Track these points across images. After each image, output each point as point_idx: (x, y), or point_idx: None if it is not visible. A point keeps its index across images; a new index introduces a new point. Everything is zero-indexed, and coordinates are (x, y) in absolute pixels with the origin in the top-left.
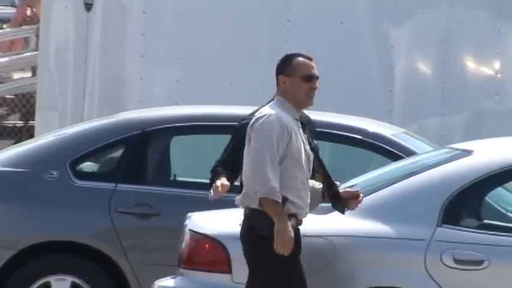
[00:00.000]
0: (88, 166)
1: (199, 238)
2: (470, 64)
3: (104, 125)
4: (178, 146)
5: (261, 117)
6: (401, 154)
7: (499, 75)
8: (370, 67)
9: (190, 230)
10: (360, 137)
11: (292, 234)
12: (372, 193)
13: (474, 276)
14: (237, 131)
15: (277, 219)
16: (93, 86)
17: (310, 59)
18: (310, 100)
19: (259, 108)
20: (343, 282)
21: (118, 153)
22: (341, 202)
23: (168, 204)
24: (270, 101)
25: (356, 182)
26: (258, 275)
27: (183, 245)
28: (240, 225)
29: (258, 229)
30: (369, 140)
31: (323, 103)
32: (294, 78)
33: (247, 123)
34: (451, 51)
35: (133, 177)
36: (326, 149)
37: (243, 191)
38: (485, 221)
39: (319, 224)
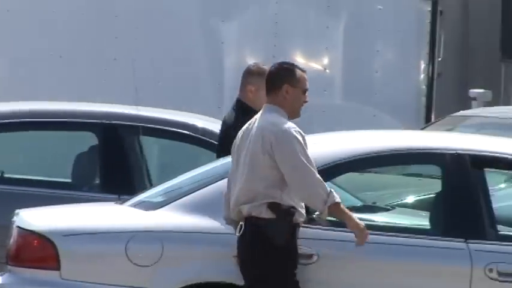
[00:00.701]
0: None
1: (27, 235)
2: (300, 59)
3: None
4: (3, 142)
5: (281, 130)
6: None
7: (327, 71)
8: (200, 62)
9: (17, 226)
10: (188, 132)
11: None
12: (200, 189)
13: (304, 270)
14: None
15: (349, 218)
16: None
17: (305, 72)
18: (300, 112)
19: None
20: (171, 276)
21: None
22: None
23: None
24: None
25: (185, 178)
26: (265, 283)
27: (11, 241)
28: (238, 236)
29: (271, 238)
30: (197, 135)
31: (151, 98)
32: (297, 89)
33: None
34: (281, 46)
35: None
36: (155, 144)
37: (248, 201)
38: (314, 216)
39: (147, 219)
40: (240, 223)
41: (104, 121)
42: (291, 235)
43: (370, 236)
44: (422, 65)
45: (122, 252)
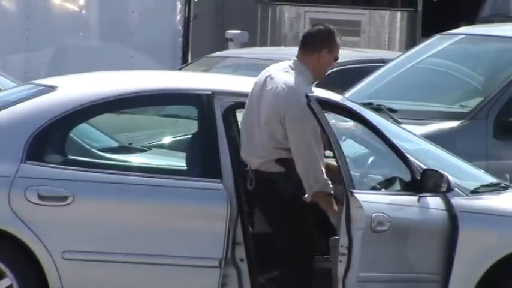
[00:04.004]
0: None
1: None
2: (55, 0)
3: None
4: None
5: (295, 95)
6: None
7: (83, 12)
8: None
9: None
10: None
11: None
12: None
13: (59, 212)
14: None
15: (331, 211)
16: None
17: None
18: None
19: None
20: None
21: None
22: None
23: None
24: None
25: None
26: (285, 228)
27: None
28: (251, 186)
29: (283, 192)
30: None
31: None
32: (330, 56)
33: None
34: None
35: None
36: None
37: (258, 155)
38: (70, 157)
39: None
40: (250, 176)
41: None
42: (297, 187)
43: (127, 178)
44: (179, 6)
45: None
